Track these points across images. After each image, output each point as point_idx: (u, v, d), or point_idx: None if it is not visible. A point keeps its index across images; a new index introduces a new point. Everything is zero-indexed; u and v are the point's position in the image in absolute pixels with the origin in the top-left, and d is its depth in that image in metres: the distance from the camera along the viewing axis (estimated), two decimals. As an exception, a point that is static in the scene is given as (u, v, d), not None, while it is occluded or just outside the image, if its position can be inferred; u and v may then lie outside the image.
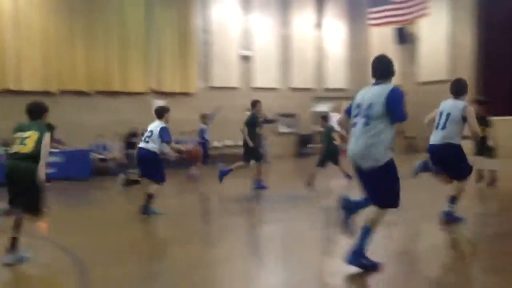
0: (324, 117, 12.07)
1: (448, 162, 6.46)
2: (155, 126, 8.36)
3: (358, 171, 4.88)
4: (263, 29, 20.34)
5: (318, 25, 21.82)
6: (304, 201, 9.32)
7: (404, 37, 20.89)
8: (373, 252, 5.42)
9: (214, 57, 19.27)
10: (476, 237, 6.17)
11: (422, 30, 20.62)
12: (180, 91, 18.44)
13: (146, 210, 8.07)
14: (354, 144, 4.87)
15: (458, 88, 6.93)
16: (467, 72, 19.61)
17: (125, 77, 17.20)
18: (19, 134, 5.62)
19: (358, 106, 5.00)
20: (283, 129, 20.89)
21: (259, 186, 11.17)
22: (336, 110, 23.11)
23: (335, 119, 20.37)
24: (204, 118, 14.44)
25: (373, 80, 5.23)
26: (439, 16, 19.97)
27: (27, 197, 5.47)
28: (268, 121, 12.60)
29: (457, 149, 6.44)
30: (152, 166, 8.23)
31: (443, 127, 6.55)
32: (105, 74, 16.81)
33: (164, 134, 8.20)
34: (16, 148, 5.55)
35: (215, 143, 19.04)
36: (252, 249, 6.08)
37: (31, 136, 5.53)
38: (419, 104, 19.43)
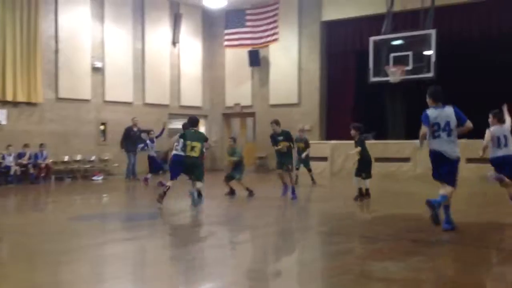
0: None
1: None
2: None
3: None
4: (116, 41, 19.81)
5: (174, 42, 21.83)
6: (156, 220, 9.22)
7: (257, 60, 21.71)
8: (222, 273, 5.53)
9: (64, 66, 18.27)
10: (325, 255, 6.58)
11: (273, 54, 21.59)
12: (25, 100, 17.17)
13: None
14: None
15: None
16: (313, 97, 20.96)
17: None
18: None
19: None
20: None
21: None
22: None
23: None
24: (149, 134, 15.30)
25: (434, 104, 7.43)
26: (289, 43, 21.11)
27: None
28: (144, 131, 12.70)
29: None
30: None
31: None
32: None
33: None
34: None
35: (65, 158, 18.15)
36: (99, 270, 5.87)
37: None
38: (269, 125, 20.19)
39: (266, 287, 5.07)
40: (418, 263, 5.63)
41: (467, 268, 5.38)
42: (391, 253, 6.27)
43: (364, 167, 11.08)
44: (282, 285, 5.13)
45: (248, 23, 21.68)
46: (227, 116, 23.56)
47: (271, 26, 21.17)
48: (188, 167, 10.44)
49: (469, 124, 7.33)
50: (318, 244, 7.24)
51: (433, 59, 16.75)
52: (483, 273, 5.23)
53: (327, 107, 21.10)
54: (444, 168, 7.33)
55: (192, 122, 10.71)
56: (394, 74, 17.21)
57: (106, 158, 19.14)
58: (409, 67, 17.15)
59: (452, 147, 7.32)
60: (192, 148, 10.22)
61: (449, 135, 7.29)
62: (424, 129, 7.45)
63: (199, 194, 10.69)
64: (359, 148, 11.01)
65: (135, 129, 17.92)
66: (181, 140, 10.59)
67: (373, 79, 17.82)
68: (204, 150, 10.55)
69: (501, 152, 8.56)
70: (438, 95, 7.50)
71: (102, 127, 19.41)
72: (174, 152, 10.82)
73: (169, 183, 10.54)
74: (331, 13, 20.53)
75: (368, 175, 11.13)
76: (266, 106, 21.83)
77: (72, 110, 18.40)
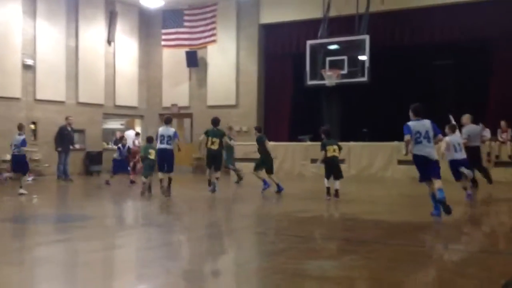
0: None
1: None
2: None
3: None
4: (49, 39, 19.11)
5: (109, 41, 21.36)
6: (89, 221, 8.99)
7: (194, 61, 21.59)
8: (156, 274, 5.48)
9: (-7, 63, 17.47)
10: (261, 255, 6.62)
11: (211, 56, 21.55)
12: None
13: None
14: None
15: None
16: (251, 99, 21.08)
17: None
18: None
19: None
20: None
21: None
22: (129, 127, 22.86)
23: (132, 135, 20.20)
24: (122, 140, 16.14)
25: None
26: (227, 44, 21.14)
27: None
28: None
29: None
30: None
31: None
32: None
33: None
34: None
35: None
36: (29, 273, 5.67)
37: None
38: (207, 126, 20.18)
39: (200, 287, 5.05)
40: (351, 262, 5.77)
41: (397, 265, 5.55)
42: (324, 252, 6.39)
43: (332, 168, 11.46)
44: (217, 286, 5.12)
45: (186, 24, 21.53)
46: (164, 117, 23.24)
47: (209, 27, 21.13)
48: (212, 158, 13.02)
49: (440, 136, 9.10)
50: (253, 244, 7.28)
51: (367, 64, 17.22)
52: (411, 270, 5.42)
53: (264, 109, 21.27)
54: (429, 168, 8.70)
55: (214, 122, 13.15)
56: (330, 78, 17.56)
57: (36, 158, 18.48)
58: (345, 71, 17.56)
59: (431, 151, 8.72)
60: (212, 142, 12.77)
61: (429, 141, 8.70)
62: (407, 138, 8.79)
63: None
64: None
65: (69, 128, 17.45)
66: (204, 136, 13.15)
67: (310, 82, 18.12)
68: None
69: (458, 156, 10.94)
70: (418, 110, 8.97)
71: (32, 127, 18.73)
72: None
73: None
74: (269, 16, 20.72)
75: (336, 176, 11.40)
76: (204, 107, 21.74)
77: (2, 109, 17.66)
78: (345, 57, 17.69)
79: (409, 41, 18.70)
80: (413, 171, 15.72)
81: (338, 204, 11.34)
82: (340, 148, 11.55)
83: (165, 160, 12.33)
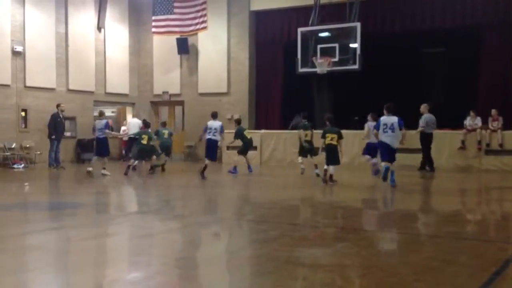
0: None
1: None
2: None
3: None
4: (38, 25, 18.93)
5: (99, 27, 21.17)
6: (81, 209, 8.98)
7: (185, 48, 21.48)
8: (148, 261, 5.49)
9: (-19, 50, 17.28)
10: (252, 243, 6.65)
11: (202, 43, 21.45)
12: None
13: None
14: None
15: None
16: (243, 86, 21.03)
17: None
18: None
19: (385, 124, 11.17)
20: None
21: None
22: (120, 115, 22.75)
23: (137, 123, 20.41)
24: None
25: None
26: (218, 31, 21.03)
27: None
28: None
29: None
30: None
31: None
32: None
33: None
34: None
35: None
36: (21, 260, 5.65)
37: None
38: (199, 114, 20.18)
39: (193, 275, 5.06)
40: (343, 249, 5.81)
41: (388, 253, 5.60)
42: (317, 239, 6.42)
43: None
44: (210, 273, 5.14)
45: (176, 10, 21.38)
46: (155, 104, 23.21)
47: (199, 14, 21.00)
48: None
49: (403, 130, 11.34)
50: (246, 232, 7.30)
51: (358, 52, 17.21)
52: (402, 258, 5.47)
53: (256, 97, 21.24)
54: (389, 153, 11.29)
55: (238, 121, 15.72)
56: (321, 66, 17.56)
57: (27, 145, 18.39)
58: (336, 59, 17.56)
59: (393, 140, 11.29)
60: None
61: (392, 132, 11.19)
62: (375, 132, 11.62)
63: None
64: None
65: (61, 115, 17.37)
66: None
67: (301, 69, 18.11)
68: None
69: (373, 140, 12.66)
70: (390, 108, 11.43)
71: (23, 114, 18.60)
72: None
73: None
74: (260, 3, 20.62)
75: (330, 162, 11.92)
76: (195, 94, 21.68)
77: (-9, 96, 17.54)
78: (336, 45, 17.69)
79: (400, 28, 18.71)
80: (404, 159, 15.91)
81: (330, 192, 11.39)
82: (340, 137, 12.02)
83: (210, 149, 13.81)
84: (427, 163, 15.39)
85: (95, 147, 15.18)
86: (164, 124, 16.76)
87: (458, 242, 6.31)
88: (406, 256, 5.49)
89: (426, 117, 15.27)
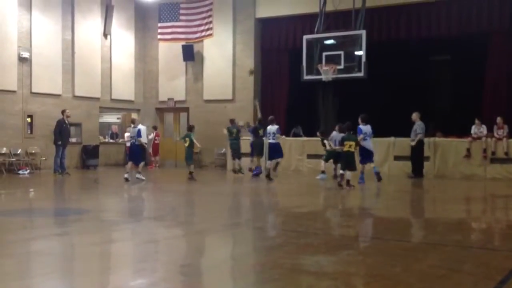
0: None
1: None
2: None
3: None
4: (44, 31, 19.03)
5: (106, 34, 21.27)
6: (85, 215, 8.99)
7: (191, 55, 21.54)
8: (153, 268, 5.49)
9: (-12, 56, 17.36)
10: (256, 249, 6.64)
11: (208, 50, 21.50)
12: None
13: None
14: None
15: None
16: (248, 93, 21.06)
17: None
18: None
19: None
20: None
21: None
22: (125, 121, 22.81)
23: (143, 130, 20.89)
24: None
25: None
26: (223, 38, 21.09)
27: None
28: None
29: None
30: None
31: None
32: None
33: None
34: None
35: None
36: (25, 266, 5.67)
37: None
38: (204, 120, 20.23)
39: (198, 282, 5.06)
40: (348, 257, 5.80)
41: (393, 261, 5.58)
42: (322, 247, 6.41)
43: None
44: (214, 280, 5.14)
45: (182, 17, 21.49)
46: (161, 111, 23.27)
47: (205, 21, 21.09)
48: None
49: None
50: (251, 239, 7.29)
51: (363, 59, 17.21)
52: (407, 266, 5.45)
53: (261, 103, 21.23)
54: (369, 156, 13.94)
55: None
56: (327, 73, 17.55)
57: (33, 151, 18.45)
58: (341, 66, 17.55)
59: (371, 145, 14.03)
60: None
61: (370, 138, 13.94)
62: (360, 137, 13.55)
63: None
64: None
65: (66, 121, 17.42)
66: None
67: (306, 77, 18.11)
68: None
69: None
70: (366, 119, 14.15)
71: (28, 120, 18.67)
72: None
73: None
74: (266, 10, 20.67)
75: (348, 168, 12.53)
76: (200, 101, 21.72)
77: (-1, 102, 17.62)
78: (341, 52, 17.68)
79: (405, 36, 18.70)
80: (408, 166, 15.87)
81: (335, 199, 11.38)
82: (357, 144, 12.70)
83: (275, 151, 15.26)
84: (418, 169, 15.69)
85: (128, 154, 15.92)
86: (232, 122, 17.32)
87: (463, 250, 6.28)
88: (411, 264, 5.47)
89: (421, 124, 15.69)
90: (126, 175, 14.36)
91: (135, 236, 7.30)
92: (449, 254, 5.99)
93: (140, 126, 15.02)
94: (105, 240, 6.98)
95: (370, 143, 13.96)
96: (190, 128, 15.93)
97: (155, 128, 21.47)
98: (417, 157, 15.77)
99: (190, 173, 14.94)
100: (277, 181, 14.97)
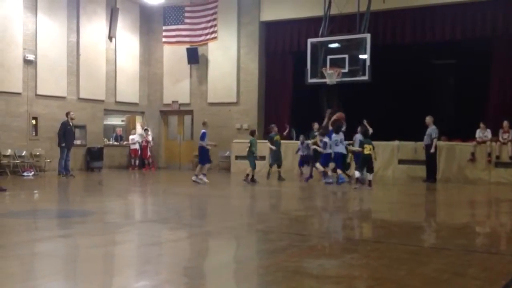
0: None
1: None
2: None
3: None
4: (50, 34, 19.09)
5: (111, 37, 21.33)
6: (89, 217, 9.01)
7: (195, 58, 21.58)
8: (157, 270, 5.49)
9: (-7, 58, 17.40)
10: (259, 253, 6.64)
11: (212, 53, 21.54)
12: None
13: None
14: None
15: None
16: (252, 96, 21.08)
17: None
18: None
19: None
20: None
21: None
22: (129, 123, 22.85)
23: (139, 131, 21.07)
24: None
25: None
26: (228, 41, 21.13)
27: None
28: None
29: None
30: None
31: None
32: None
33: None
34: None
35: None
36: (29, 267, 5.68)
37: None
38: (208, 123, 20.21)
39: (201, 284, 5.06)
40: (352, 260, 5.78)
41: (397, 265, 5.57)
42: (325, 250, 6.40)
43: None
44: (217, 283, 5.13)
45: (187, 20, 21.55)
46: (165, 113, 23.31)
47: (210, 24, 21.14)
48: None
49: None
50: (254, 242, 7.29)
51: (367, 63, 17.21)
52: (411, 269, 5.43)
53: (265, 107, 21.26)
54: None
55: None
56: (331, 76, 17.55)
57: (37, 153, 18.50)
58: (345, 70, 17.55)
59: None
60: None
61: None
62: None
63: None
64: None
65: (71, 123, 17.47)
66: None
67: (311, 80, 18.11)
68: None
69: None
70: (338, 129, 14.76)
71: (33, 122, 18.73)
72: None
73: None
74: (270, 14, 20.71)
75: (369, 170, 13.48)
76: (205, 104, 21.75)
77: (3, 104, 17.66)
78: (346, 56, 17.68)
79: (410, 40, 18.69)
80: (413, 170, 15.84)
81: (339, 203, 11.36)
82: (373, 147, 13.41)
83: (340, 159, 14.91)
84: (433, 174, 15.62)
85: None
86: (271, 130, 16.95)
87: (467, 254, 6.26)
88: (415, 268, 5.45)
89: (435, 128, 15.71)
90: (201, 178, 14.65)
91: (139, 238, 7.29)
92: (453, 258, 5.96)
93: (204, 130, 15.10)
94: (108, 242, 6.98)
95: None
96: (252, 133, 15.75)
97: (146, 130, 21.65)
98: (432, 161, 15.75)
99: (247, 175, 15.02)
100: (281, 185, 14.95)
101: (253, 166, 15.12)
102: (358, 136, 14.57)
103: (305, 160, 16.30)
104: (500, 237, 7.83)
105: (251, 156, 15.21)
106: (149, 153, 21.41)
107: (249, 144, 15.33)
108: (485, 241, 7.56)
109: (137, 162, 21.40)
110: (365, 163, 13.39)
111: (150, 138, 21.42)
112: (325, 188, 14.05)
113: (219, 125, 20.53)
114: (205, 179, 14.74)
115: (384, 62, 17.56)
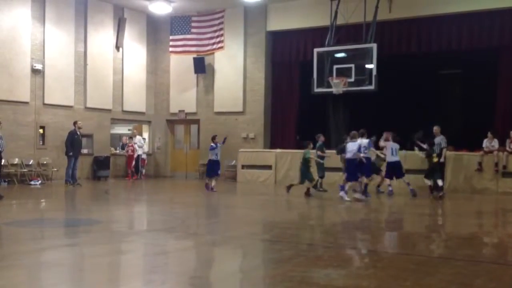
0: None
1: None
2: None
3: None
4: (57, 44, 19.17)
5: (118, 46, 21.44)
6: (96, 226, 9.02)
7: (202, 67, 21.64)
8: (163, 279, 5.50)
9: (2, 67, 17.45)
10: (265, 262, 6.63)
11: (219, 62, 21.60)
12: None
13: None
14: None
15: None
16: (258, 105, 21.11)
17: None
18: None
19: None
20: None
21: None
22: (136, 133, 22.86)
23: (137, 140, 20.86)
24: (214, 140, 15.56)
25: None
26: (235, 51, 21.20)
27: None
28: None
29: None
30: None
31: None
32: None
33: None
34: None
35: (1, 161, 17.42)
36: (36, 276, 5.70)
37: None
38: (214, 132, 20.27)
39: (208, 294, 5.06)
40: (359, 270, 5.77)
41: (404, 275, 5.55)
42: (332, 260, 6.39)
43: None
44: (225, 292, 5.14)
45: (194, 30, 21.64)
46: (171, 123, 23.38)
47: (216, 34, 21.23)
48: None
49: None
50: (260, 251, 7.29)
51: (374, 72, 17.22)
52: (418, 280, 5.41)
53: (271, 116, 21.28)
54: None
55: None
56: (337, 86, 17.56)
57: (45, 162, 18.58)
58: (352, 79, 17.56)
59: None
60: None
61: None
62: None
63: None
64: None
65: (78, 133, 17.53)
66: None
67: (317, 89, 18.14)
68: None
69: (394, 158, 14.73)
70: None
71: (41, 131, 18.82)
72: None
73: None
74: (277, 23, 20.77)
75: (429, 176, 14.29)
76: (211, 113, 21.80)
77: (10, 113, 17.77)
78: (352, 65, 17.70)
79: (416, 50, 18.67)
80: (419, 180, 15.77)
81: (345, 212, 11.33)
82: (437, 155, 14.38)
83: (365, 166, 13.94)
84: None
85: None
86: (319, 138, 15.70)
87: (474, 265, 6.23)
88: (422, 278, 5.43)
89: (444, 138, 15.26)
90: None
91: (145, 247, 7.31)
92: (460, 268, 5.94)
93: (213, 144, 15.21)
94: (115, 251, 7.00)
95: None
96: (307, 145, 14.74)
97: (131, 139, 21.22)
98: (443, 171, 15.25)
99: (308, 189, 14.14)
100: (286, 194, 14.95)
101: (310, 179, 14.17)
102: (391, 143, 14.66)
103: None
104: (507, 248, 7.78)
105: (307, 167, 14.24)
106: (133, 163, 21.06)
107: (306, 157, 14.27)
108: (492, 252, 7.53)
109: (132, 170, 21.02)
110: (438, 170, 14.28)
111: (137, 146, 20.97)
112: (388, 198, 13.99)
113: (225, 134, 20.54)
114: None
115: (390, 71, 17.55)
